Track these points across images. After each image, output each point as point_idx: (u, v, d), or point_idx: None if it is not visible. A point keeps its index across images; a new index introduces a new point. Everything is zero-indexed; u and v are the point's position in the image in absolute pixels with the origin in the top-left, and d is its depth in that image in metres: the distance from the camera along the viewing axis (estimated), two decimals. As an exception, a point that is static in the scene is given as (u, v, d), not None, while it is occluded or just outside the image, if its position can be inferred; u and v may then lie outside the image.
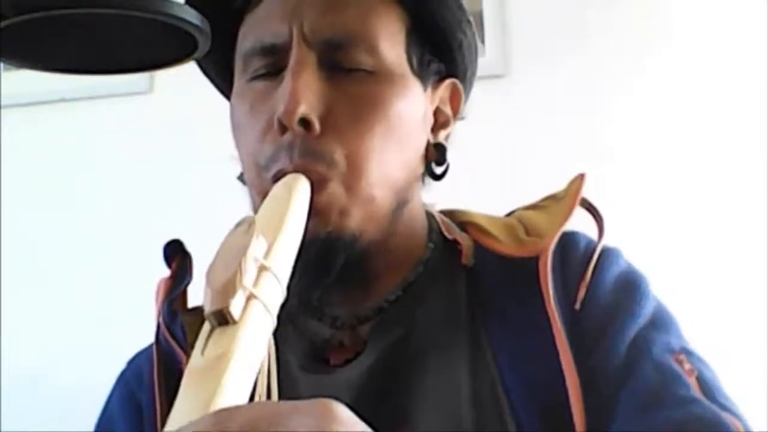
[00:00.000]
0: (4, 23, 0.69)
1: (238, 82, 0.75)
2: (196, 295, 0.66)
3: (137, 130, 1.87)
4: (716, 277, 1.52)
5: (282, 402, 0.43)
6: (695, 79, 1.60)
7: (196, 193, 1.77)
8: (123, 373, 0.82)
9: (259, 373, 0.50)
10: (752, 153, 1.55)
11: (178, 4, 0.73)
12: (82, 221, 1.87)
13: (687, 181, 1.58)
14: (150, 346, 0.78)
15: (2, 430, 1.71)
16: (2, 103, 1.87)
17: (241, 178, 0.77)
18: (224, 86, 0.80)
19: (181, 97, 1.81)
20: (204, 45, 0.77)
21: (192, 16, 0.74)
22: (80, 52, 0.82)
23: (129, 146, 1.86)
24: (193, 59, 0.80)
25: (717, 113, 1.58)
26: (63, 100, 1.90)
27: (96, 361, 1.71)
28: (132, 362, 0.82)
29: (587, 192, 0.76)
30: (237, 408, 0.43)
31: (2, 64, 1.71)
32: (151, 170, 1.84)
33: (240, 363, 0.47)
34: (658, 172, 1.59)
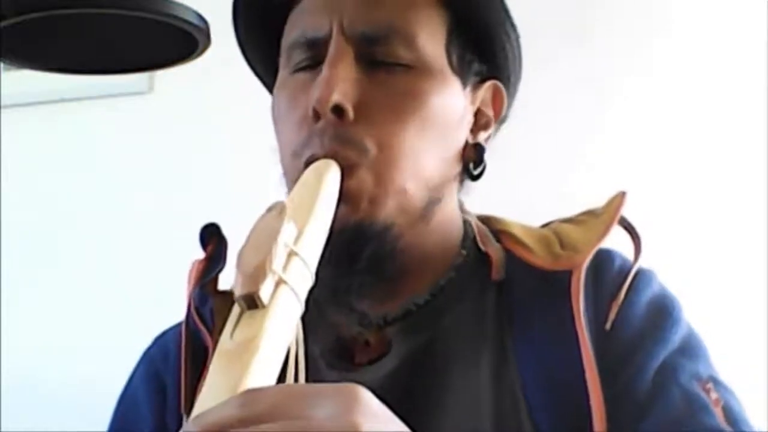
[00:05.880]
0: (4, 23, 0.69)
1: (281, 74, 0.76)
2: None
3: (137, 130, 1.87)
4: (714, 276, 1.52)
5: (308, 385, 0.45)
6: (696, 78, 1.60)
7: (195, 193, 1.77)
8: (148, 350, 0.82)
9: (286, 358, 0.52)
10: (753, 149, 1.54)
11: (178, 4, 0.73)
12: (81, 221, 1.87)
13: (688, 181, 1.58)
14: (177, 325, 0.79)
15: (2, 430, 1.71)
16: (2, 103, 1.87)
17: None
18: (270, 82, 0.80)
19: (181, 97, 1.81)
20: (204, 45, 0.77)
21: (192, 16, 0.74)
22: (80, 52, 0.82)
23: (129, 146, 1.86)
24: (193, 59, 0.80)
25: (717, 113, 1.58)
26: (63, 100, 1.90)
27: (96, 360, 1.71)
28: (159, 339, 0.83)
29: (626, 209, 0.75)
30: (263, 390, 0.44)
31: (2, 64, 1.71)
32: (151, 170, 1.84)
33: (268, 347, 0.49)
34: (657, 171, 1.59)
